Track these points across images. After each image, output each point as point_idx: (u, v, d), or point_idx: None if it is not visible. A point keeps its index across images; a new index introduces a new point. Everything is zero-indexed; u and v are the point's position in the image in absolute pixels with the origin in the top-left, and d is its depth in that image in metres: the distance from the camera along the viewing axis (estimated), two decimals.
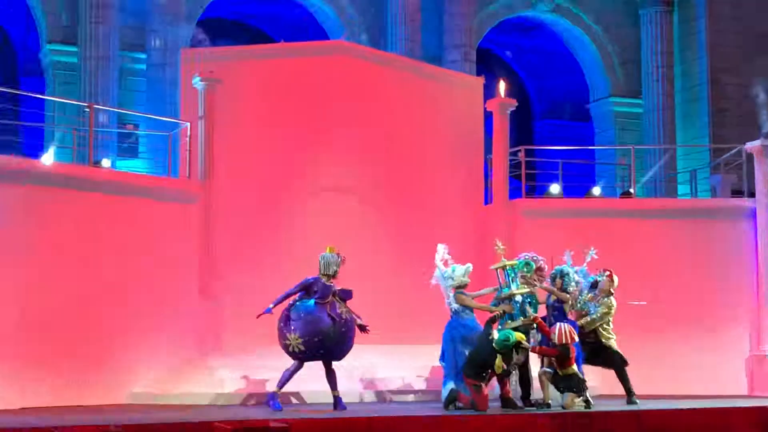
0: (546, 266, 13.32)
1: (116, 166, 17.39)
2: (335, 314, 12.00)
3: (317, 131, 15.97)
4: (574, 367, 12.43)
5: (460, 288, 12.70)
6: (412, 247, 15.03)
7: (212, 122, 14.81)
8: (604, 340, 13.29)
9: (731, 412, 12.78)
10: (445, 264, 12.98)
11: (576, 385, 12.32)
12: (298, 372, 12.15)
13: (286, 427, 9.58)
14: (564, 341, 12.26)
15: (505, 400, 12.12)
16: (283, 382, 12.13)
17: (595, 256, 13.38)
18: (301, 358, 12.03)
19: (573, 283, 13.12)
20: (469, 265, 12.84)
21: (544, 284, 13.11)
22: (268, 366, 13.48)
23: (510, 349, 11.78)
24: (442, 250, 12.99)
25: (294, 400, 13.32)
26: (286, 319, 12.02)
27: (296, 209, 15.61)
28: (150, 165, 18.69)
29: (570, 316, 13.08)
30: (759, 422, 12.62)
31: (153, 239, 14.16)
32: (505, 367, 11.79)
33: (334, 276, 12.22)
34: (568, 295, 13.05)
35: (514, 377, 12.88)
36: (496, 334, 11.87)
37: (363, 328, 12.27)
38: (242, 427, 9.55)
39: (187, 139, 14.95)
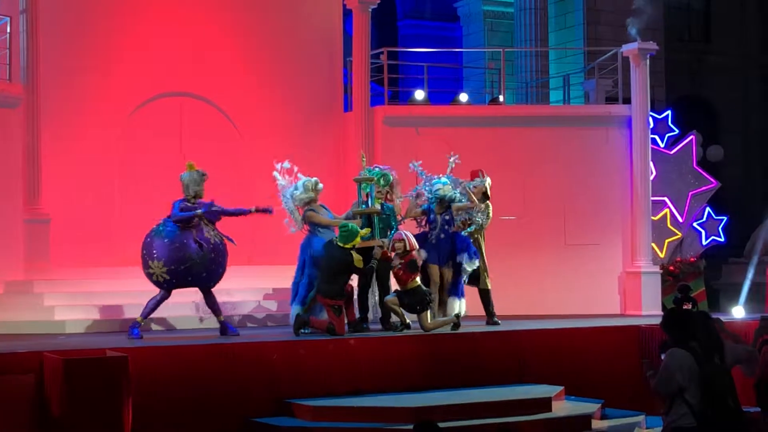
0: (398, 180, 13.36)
1: None
2: (202, 239, 11.85)
3: (156, 29, 15.57)
4: (417, 280, 12.37)
5: (308, 205, 12.69)
6: (265, 158, 14.89)
7: (36, 16, 14.31)
8: (482, 251, 13.44)
9: (603, 331, 13.25)
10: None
11: (420, 300, 12.23)
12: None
13: (123, 356, 9.50)
14: (407, 248, 12.21)
15: (350, 324, 12.18)
16: (147, 312, 11.99)
17: (458, 161, 13.51)
18: (167, 287, 11.91)
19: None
20: (315, 179, 12.80)
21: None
22: (105, 290, 13.30)
23: (353, 239, 11.88)
24: (279, 167, 12.90)
25: (157, 326, 13.24)
26: (148, 245, 11.82)
27: (132, 117, 15.26)
28: None
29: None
30: (630, 341, 13.13)
31: None
32: (363, 261, 11.92)
33: (198, 196, 12.04)
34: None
35: (373, 298, 13.04)
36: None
37: (229, 241, 12.20)
38: (76, 357, 9.42)
39: (7, 35, 14.43)
